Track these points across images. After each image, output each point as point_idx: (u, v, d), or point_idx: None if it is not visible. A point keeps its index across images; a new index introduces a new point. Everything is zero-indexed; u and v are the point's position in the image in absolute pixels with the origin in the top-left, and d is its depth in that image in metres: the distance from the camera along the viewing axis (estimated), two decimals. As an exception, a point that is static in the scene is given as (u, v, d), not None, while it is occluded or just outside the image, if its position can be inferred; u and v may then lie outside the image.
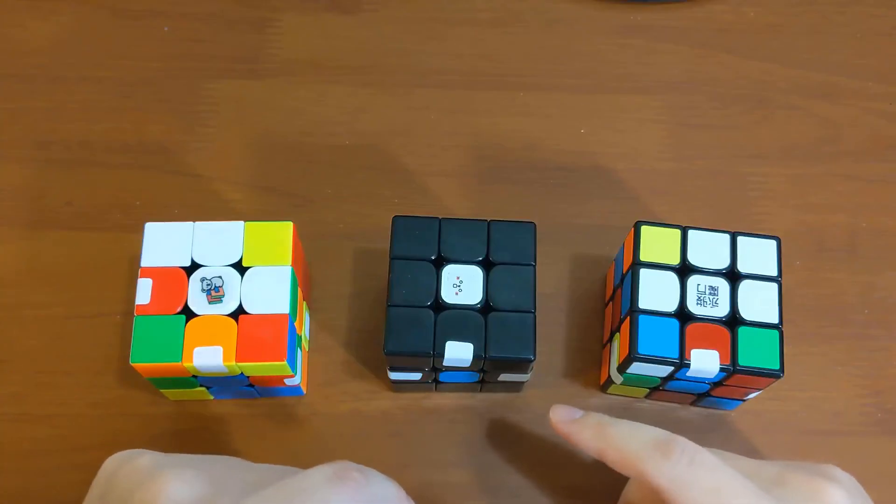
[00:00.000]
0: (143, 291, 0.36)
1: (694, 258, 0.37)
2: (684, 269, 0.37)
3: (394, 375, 0.39)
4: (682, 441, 0.31)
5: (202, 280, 0.36)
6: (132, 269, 0.43)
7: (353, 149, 0.46)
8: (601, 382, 0.41)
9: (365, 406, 0.41)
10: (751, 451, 0.41)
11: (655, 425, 0.41)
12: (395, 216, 0.38)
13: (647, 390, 0.40)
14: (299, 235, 0.39)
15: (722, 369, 0.36)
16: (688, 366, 0.36)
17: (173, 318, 0.36)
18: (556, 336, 0.43)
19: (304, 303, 0.41)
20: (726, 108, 0.48)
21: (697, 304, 0.36)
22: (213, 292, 0.36)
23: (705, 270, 0.37)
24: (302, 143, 0.46)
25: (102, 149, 0.46)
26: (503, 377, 0.38)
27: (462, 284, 0.36)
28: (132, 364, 0.35)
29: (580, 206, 0.45)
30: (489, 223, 0.38)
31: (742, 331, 0.36)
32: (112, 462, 0.31)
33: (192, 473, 0.28)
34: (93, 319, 0.42)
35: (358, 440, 0.40)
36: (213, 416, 0.41)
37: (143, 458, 0.30)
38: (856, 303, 0.44)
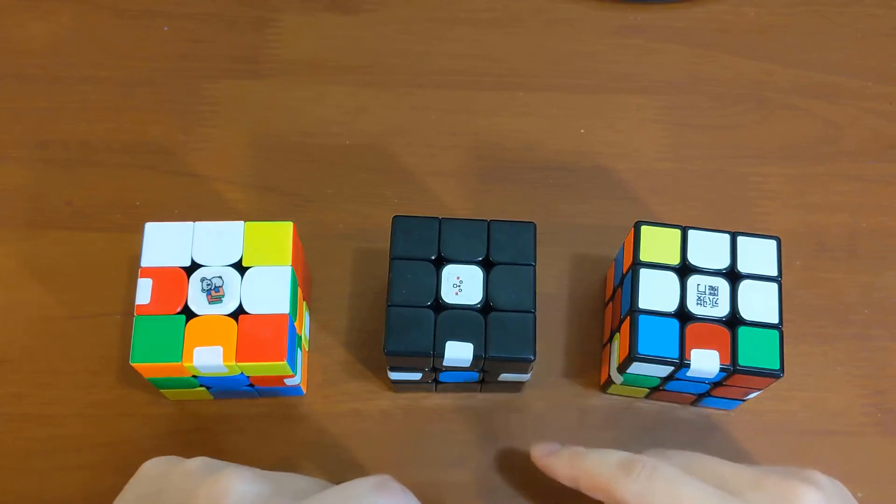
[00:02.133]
0: (143, 291, 0.36)
1: (694, 258, 0.37)
2: (684, 269, 0.37)
3: (394, 375, 0.39)
4: (643, 459, 0.32)
5: (202, 280, 0.36)
6: (132, 269, 0.43)
7: (353, 149, 0.46)
8: (601, 382, 0.41)
9: (365, 406, 0.41)
10: (751, 452, 0.41)
11: (655, 425, 0.41)
12: (395, 216, 0.38)
13: (647, 390, 0.40)
14: (299, 235, 0.39)
15: (722, 369, 0.36)
16: (688, 366, 0.36)
17: (173, 318, 0.36)
18: (556, 336, 0.43)
19: (304, 303, 0.41)
20: (726, 108, 0.48)
21: (697, 304, 0.36)
22: (213, 292, 0.36)
23: (705, 270, 0.37)
24: (302, 143, 0.46)
25: (102, 149, 0.46)
26: (503, 377, 0.38)
27: (462, 284, 0.36)
28: (132, 364, 0.35)
29: (580, 206, 0.45)
30: (489, 223, 0.38)
31: (742, 331, 0.36)
32: (156, 465, 0.32)
33: (251, 473, 0.30)
34: (93, 319, 0.42)
35: (358, 440, 0.40)
36: (213, 416, 0.41)
37: (193, 462, 0.31)
38: (856, 303, 0.44)
